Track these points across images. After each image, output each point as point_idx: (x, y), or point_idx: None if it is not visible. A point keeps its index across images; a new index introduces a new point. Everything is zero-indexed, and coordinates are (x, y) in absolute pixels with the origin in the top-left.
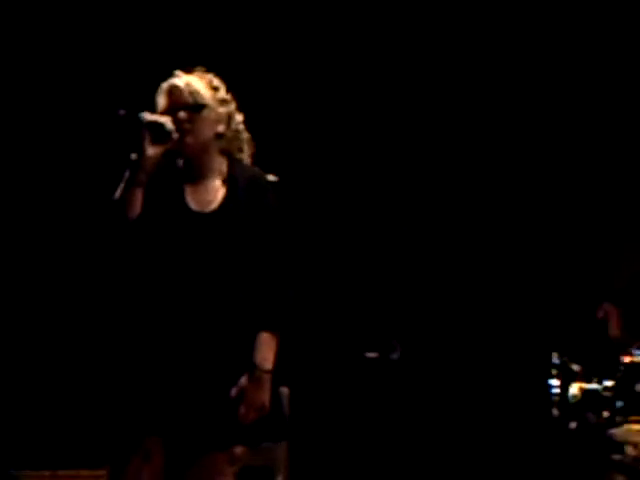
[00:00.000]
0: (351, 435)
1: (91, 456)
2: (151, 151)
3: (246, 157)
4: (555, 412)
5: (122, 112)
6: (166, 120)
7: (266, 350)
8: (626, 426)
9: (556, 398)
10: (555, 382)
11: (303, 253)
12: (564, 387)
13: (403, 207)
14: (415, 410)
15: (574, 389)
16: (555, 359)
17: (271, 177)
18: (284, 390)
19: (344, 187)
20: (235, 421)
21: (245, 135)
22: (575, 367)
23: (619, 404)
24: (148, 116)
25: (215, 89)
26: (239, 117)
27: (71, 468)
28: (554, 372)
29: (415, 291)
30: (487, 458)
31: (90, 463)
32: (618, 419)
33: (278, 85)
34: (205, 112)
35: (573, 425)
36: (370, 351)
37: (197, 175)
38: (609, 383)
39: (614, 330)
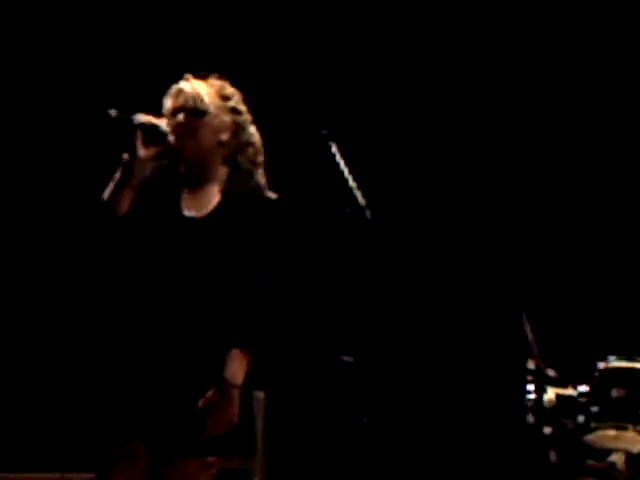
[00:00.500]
0: (328, 439)
1: (76, 460)
2: (143, 152)
3: (259, 170)
4: (530, 418)
5: (113, 112)
6: (161, 122)
7: (236, 366)
8: (601, 432)
9: (531, 404)
10: (530, 387)
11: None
12: (539, 392)
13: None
14: (391, 414)
15: (549, 394)
16: (530, 365)
17: (272, 194)
18: (259, 394)
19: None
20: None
21: (259, 148)
22: (550, 372)
23: (594, 410)
24: (141, 117)
25: (225, 97)
26: (252, 129)
27: (56, 471)
28: (529, 378)
29: (390, 296)
30: (463, 464)
31: (75, 466)
32: (593, 425)
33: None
34: (207, 118)
35: (548, 431)
36: (345, 354)
37: (196, 181)
38: (584, 388)
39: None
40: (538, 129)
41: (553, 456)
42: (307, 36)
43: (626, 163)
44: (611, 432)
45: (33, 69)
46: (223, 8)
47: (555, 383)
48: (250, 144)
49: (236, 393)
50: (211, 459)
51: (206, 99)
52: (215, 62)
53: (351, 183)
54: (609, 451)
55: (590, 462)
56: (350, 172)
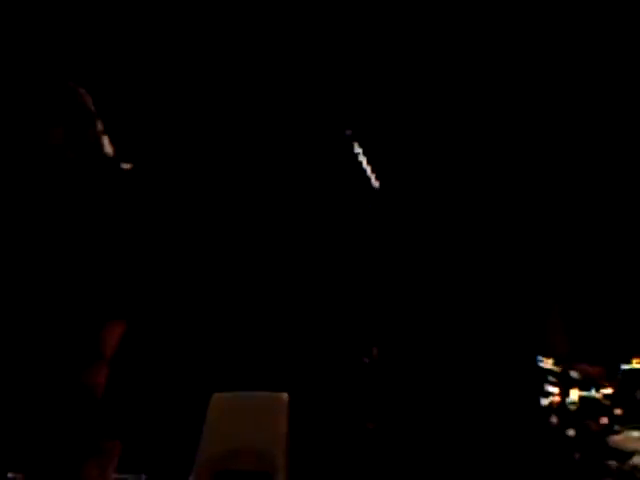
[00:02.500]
0: (350, 440)
1: None
2: None
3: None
4: (554, 420)
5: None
6: None
7: (108, 337)
8: (625, 434)
9: (555, 406)
10: (554, 390)
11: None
12: (563, 395)
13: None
14: (413, 415)
15: (573, 396)
16: (553, 367)
17: (126, 165)
18: (283, 396)
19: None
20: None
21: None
22: (574, 374)
23: (618, 412)
24: None
25: None
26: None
27: None
28: (553, 380)
29: (409, 297)
30: (486, 466)
31: None
32: (617, 427)
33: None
34: None
35: (572, 433)
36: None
37: None
38: (608, 391)
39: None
40: (560, 134)
41: (591, 425)
42: (332, 41)
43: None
44: (635, 434)
45: None
46: (246, 10)
47: (579, 385)
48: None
49: (103, 365)
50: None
51: None
52: (240, 66)
53: (374, 182)
54: (632, 453)
55: (613, 464)
56: (373, 171)
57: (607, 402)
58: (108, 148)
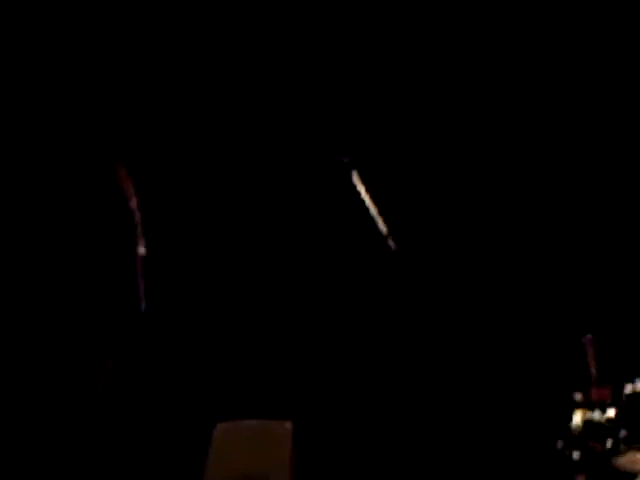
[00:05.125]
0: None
1: None
2: None
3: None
4: (559, 443)
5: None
6: None
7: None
8: (630, 455)
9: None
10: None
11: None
12: (566, 417)
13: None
14: (421, 429)
15: (577, 419)
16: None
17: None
18: (287, 424)
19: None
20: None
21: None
22: (577, 396)
23: (622, 433)
24: None
25: None
26: None
27: None
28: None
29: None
30: None
31: None
32: (622, 448)
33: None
34: None
35: (576, 455)
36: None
37: None
38: (612, 412)
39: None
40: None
41: (596, 447)
42: (330, 64)
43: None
44: None
45: None
46: (243, 33)
47: (582, 407)
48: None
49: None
50: None
51: None
52: (235, 88)
53: (373, 211)
54: (637, 474)
55: None
56: (372, 200)
57: (612, 424)
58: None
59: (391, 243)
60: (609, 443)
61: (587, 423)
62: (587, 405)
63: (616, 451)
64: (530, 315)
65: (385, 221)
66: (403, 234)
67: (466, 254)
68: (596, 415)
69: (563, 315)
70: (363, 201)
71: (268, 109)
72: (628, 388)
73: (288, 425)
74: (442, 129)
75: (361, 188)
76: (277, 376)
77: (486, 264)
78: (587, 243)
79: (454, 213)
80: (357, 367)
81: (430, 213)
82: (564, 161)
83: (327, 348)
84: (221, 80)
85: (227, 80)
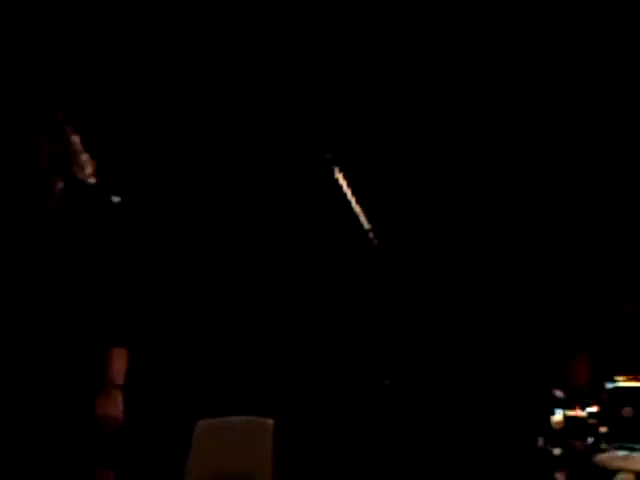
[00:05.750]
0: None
1: None
2: None
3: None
4: (540, 440)
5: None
6: None
7: (116, 365)
8: (610, 452)
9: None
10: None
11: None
12: (548, 414)
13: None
14: (401, 434)
15: (558, 416)
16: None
17: (115, 198)
18: (268, 421)
19: None
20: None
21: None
22: (558, 393)
23: (603, 430)
24: None
25: None
26: (76, 138)
27: None
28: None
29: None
30: None
31: None
32: (603, 445)
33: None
34: None
35: (557, 452)
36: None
37: None
38: (593, 409)
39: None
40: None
41: (577, 444)
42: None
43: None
44: (620, 452)
45: None
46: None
47: (563, 404)
48: (77, 153)
49: (118, 392)
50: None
51: None
52: (218, 86)
53: (355, 207)
54: (618, 471)
55: None
56: (354, 196)
57: (592, 421)
58: (89, 168)
59: (373, 238)
60: (590, 440)
61: (568, 420)
62: (568, 402)
63: (597, 448)
64: (510, 314)
65: (367, 216)
66: (385, 229)
67: (447, 249)
68: (577, 412)
69: (543, 314)
70: (345, 196)
71: (251, 106)
72: (608, 386)
73: (270, 422)
74: (423, 124)
75: (344, 183)
76: (258, 373)
77: (466, 260)
78: (558, 238)
79: (436, 208)
80: (336, 365)
81: (412, 208)
82: (542, 153)
83: (307, 346)
84: (201, 76)
85: (208, 77)
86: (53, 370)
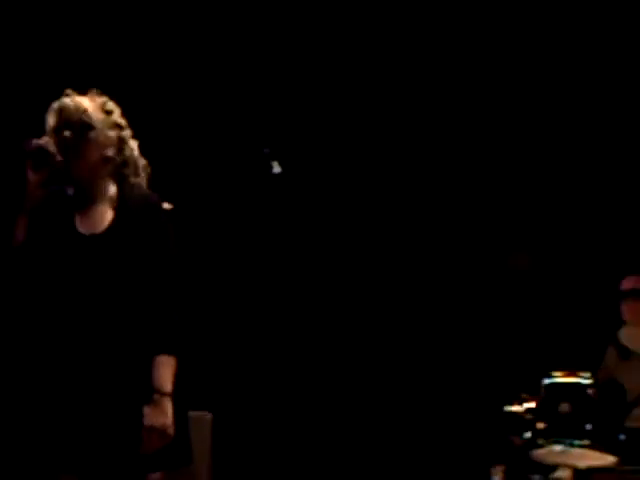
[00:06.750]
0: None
1: None
2: (34, 177)
3: (143, 182)
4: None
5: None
6: (47, 142)
7: (163, 373)
8: (548, 447)
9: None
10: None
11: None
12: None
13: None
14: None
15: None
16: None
17: (166, 205)
18: (207, 415)
19: None
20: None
21: (141, 162)
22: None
23: (540, 426)
24: (34, 142)
25: (107, 112)
26: (134, 143)
27: None
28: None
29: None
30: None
31: None
32: (540, 441)
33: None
34: (92, 134)
35: (495, 447)
36: None
37: (86, 200)
38: (531, 405)
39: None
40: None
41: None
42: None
43: None
44: (558, 448)
45: None
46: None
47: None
48: (133, 158)
49: (168, 401)
50: (156, 477)
51: (91, 114)
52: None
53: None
54: (556, 467)
55: (537, 478)
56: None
57: (530, 416)
58: (143, 172)
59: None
60: (527, 435)
61: (506, 415)
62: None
63: (534, 444)
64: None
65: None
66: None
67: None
68: (515, 408)
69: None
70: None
71: (190, 100)
72: (546, 380)
73: (208, 416)
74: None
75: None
76: (195, 368)
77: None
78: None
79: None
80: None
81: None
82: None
83: (244, 339)
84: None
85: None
86: (99, 380)
